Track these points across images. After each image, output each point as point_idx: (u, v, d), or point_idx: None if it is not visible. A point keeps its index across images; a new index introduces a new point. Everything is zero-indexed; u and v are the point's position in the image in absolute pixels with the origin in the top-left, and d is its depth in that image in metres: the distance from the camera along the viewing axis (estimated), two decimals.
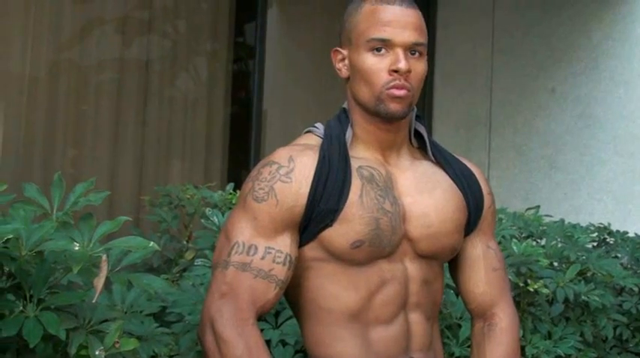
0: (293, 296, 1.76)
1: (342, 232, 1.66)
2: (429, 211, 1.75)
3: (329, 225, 1.66)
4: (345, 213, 1.66)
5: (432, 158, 1.83)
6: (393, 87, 1.67)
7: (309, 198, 1.65)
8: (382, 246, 1.68)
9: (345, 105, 1.79)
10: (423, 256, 1.76)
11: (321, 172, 1.66)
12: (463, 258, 1.87)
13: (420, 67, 1.71)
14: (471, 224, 1.84)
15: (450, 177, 1.82)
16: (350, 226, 1.65)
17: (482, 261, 1.86)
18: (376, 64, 1.68)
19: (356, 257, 1.68)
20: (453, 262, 1.90)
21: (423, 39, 1.71)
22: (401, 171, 1.77)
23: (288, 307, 1.86)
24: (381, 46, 1.68)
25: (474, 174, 1.87)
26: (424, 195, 1.76)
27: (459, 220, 1.80)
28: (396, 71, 1.66)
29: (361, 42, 1.70)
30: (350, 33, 1.73)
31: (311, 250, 1.69)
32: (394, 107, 1.68)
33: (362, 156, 1.74)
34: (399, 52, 1.67)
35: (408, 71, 1.67)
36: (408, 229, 1.73)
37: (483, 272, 1.86)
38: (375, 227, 1.66)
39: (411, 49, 1.69)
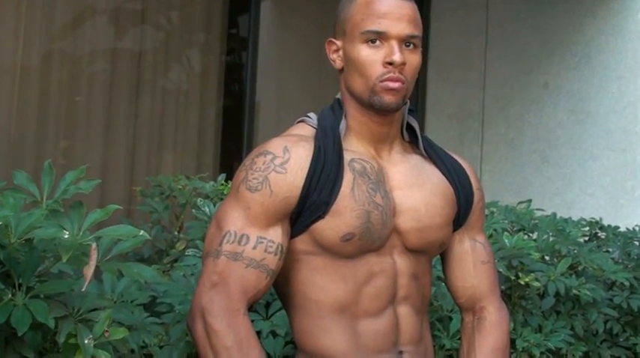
0: (282, 289, 1.75)
1: (333, 225, 1.65)
2: (418, 205, 1.75)
3: (321, 216, 1.65)
4: (337, 206, 1.65)
5: (423, 152, 1.82)
6: (388, 79, 1.66)
7: (303, 190, 1.64)
8: (372, 239, 1.68)
9: (338, 96, 1.78)
10: (411, 250, 1.75)
11: (317, 164, 1.65)
12: (451, 253, 1.87)
13: (414, 59, 1.70)
14: (460, 219, 1.84)
15: (440, 171, 1.82)
16: (341, 219, 1.65)
17: (471, 255, 1.86)
18: (371, 56, 1.67)
19: (346, 250, 1.67)
20: (442, 257, 1.90)
21: (417, 31, 1.70)
22: (392, 165, 1.76)
23: (278, 299, 1.85)
24: (376, 37, 1.67)
25: (464, 170, 1.86)
26: (414, 189, 1.76)
27: (448, 215, 1.79)
28: (390, 63, 1.66)
29: (356, 34, 1.69)
30: (344, 24, 1.72)
31: (302, 243, 1.68)
32: (388, 99, 1.67)
33: (354, 148, 1.74)
34: (394, 44, 1.66)
35: (403, 63, 1.66)
36: (397, 223, 1.72)
37: (472, 267, 1.86)
38: (366, 220, 1.66)
39: (405, 42, 1.68)
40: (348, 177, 1.68)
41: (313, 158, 1.66)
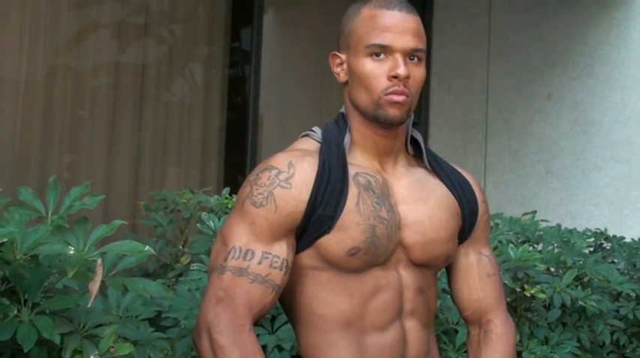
0: (288, 303, 1.75)
1: (338, 240, 1.65)
2: (423, 219, 1.74)
3: (326, 231, 1.65)
4: (343, 221, 1.65)
5: (428, 165, 1.82)
6: (392, 92, 1.66)
7: (308, 205, 1.64)
8: (378, 253, 1.67)
9: (342, 110, 1.78)
10: (416, 264, 1.75)
11: (322, 179, 1.65)
12: (457, 266, 1.87)
13: (418, 72, 1.70)
14: (465, 232, 1.84)
15: (444, 184, 1.82)
16: (347, 234, 1.65)
17: (476, 268, 1.86)
18: (375, 69, 1.67)
19: (352, 264, 1.67)
20: (447, 271, 1.89)
21: (422, 45, 1.70)
22: (397, 179, 1.76)
23: (284, 312, 1.85)
24: (381, 51, 1.67)
25: (468, 182, 1.86)
26: (419, 202, 1.76)
27: (452, 228, 1.79)
28: (395, 77, 1.65)
29: (360, 47, 1.69)
30: (349, 37, 1.72)
31: (307, 258, 1.68)
32: (393, 113, 1.67)
33: (359, 162, 1.73)
34: (399, 57, 1.66)
35: (407, 77, 1.66)
36: (402, 236, 1.72)
37: (477, 280, 1.86)
38: (372, 234, 1.66)
39: (410, 55, 1.68)
40: (352, 192, 1.67)
41: (318, 173, 1.65)
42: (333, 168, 1.66)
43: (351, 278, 1.68)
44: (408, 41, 1.67)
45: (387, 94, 1.66)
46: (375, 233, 1.66)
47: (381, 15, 1.68)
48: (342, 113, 1.77)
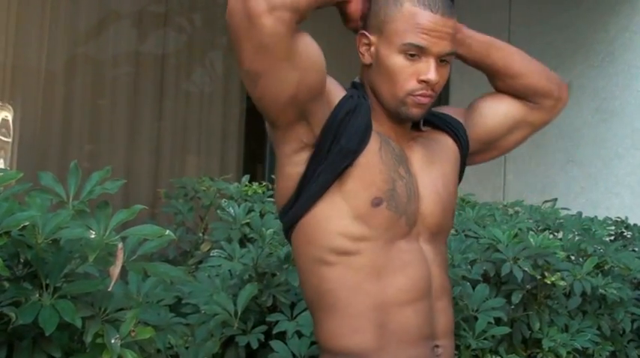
0: (310, 289, 1.72)
1: (364, 184, 1.63)
2: (437, 185, 1.76)
3: (350, 164, 1.63)
4: (366, 158, 1.64)
5: (422, 127, 1.84)
6: (420, 95, 1.67)
7: (331, 117, 1.62)
8: (399, 211, 1.66)
9: (357, 80, 1.77)
10: (434, 233, 1.75)
11: (346, 105, 1.64)
12: (476, 116, 1.93)
13: (445, 73, 1.71)
14: (464, 150, 1.88)
15: (440, 128, 1.85)
16: (370, 177, 1.64)
17: (482, 100, 1.97)
18: (406, 69, 1.66)
19: (376, 220, 1.64)
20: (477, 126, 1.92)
21: (455, 49, 1.73)
22: (409, 146, 1.77)
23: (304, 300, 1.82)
24: (416, 52, 1.66)
25: (452, 117, 1.90)
26: (432, 168, 1.77)
27: (456, 178, 1.84)
28: (425, 81, 1.66)
29: (396, 41, 1.67)
30: (382, 24, 1.69)
31: (336, 224, 1.64)
32: (417, 112, 1.69)
33: (376, 128, 1.72)
34: (432, 61, 1.66)
35: (437, 82, 1.67)
36: (421, 205, 1.72)
37: (492, 99, 2.00)
38: (392, 187, 1.66)
39: (442, 58, 1.69)
40: (375, 138, 1.67)
41: (344, 98, 1.65)
42: (359, 105, 1.66)
43: (376, 255, 1.65)
44: (444, 46, 1.67)
45: (413, 95, 1.67)
46: (395, 187, 1.66)
47: (423, 15, 1.66)
48: (360, 84, 1.76)
